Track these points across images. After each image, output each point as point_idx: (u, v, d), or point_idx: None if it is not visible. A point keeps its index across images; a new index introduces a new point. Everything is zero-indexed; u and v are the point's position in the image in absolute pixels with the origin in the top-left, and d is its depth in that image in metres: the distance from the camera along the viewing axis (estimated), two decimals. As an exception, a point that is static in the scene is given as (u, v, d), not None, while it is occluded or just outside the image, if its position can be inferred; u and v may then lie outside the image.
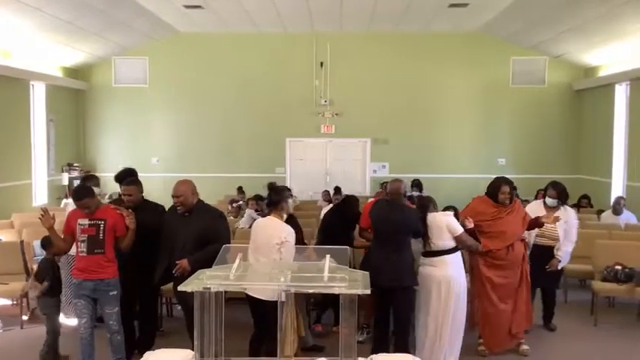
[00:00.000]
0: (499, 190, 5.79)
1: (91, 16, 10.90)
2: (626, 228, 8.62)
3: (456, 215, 5.84)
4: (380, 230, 5.50)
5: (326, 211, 8.52)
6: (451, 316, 5.40)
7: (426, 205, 5.61)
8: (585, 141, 13.64)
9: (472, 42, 13.75)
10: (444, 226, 5.41)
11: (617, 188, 12.02)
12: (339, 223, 6.40)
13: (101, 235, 4.96)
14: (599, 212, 9.92)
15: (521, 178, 12.50)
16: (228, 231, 5.35)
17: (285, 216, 5.17)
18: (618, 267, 6.69)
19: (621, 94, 12.10)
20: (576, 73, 13.77)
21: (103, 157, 14.36)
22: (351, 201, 6.63)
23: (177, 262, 4.97)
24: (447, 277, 5.38)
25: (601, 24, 10.44)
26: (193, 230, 5.07)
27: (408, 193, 12.23)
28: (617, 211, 9.19)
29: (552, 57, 13.65)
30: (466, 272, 5.80)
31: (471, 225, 5.67)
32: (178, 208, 5.18)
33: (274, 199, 5.16)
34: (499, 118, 14.08)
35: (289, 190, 7.36)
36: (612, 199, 10.10)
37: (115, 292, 5.04)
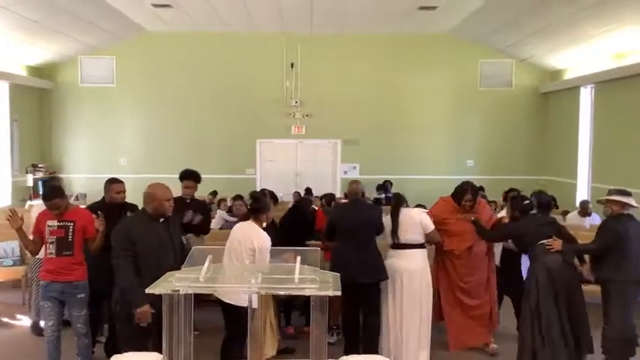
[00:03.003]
0: (463, 197, 5.92)
1: (57, 15, 10.70)
2: (591, 229, 8.78)
3: None
4: (345, 229, 5.61)
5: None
6: (417, 310, 5.49)
7: (401, 200, 5.75)
8: (551, 143, 13.89)
9: (441, 44, 13.88)
10: (418, 222, 5.53)
11: (583, 189, 12.26)
12: (293, 223, 6.56)
13: (70, 236, 4.87)
14: (565, 213, 10.11)
15: (489, 179, 12.67)
16: None
17: (264, 224, 5.17)
18: (580, 267, 6.80)
19: (586, 96, 12.34)
20: (543, 75, 14.02)
21: (70, 157, 14.11)
22: (304, 203, 6.97)
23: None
24: (412, 270, 5.52)
25: (566, 27, 10.63)
26: (177, 238, 4.71)
27: (376, 196, 12.54)
28: (584, 213, 9.42)
29: (519, 60, 13.87)
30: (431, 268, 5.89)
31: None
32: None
33: (253, 206, 5.19)
34: (468, 120, 14.25)
35: (273, 198, 7.35)
36: (577, 200, 10.32)
37: (83, 295, 4.95)
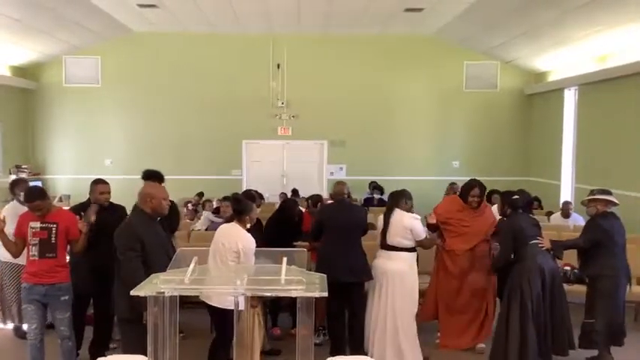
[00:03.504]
0: (469, 192, 5.93)
1: (41, 15, 10.59)
2: (574, 229, 8.86)
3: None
4: (331, 230, 5.61)
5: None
6: (401, 311, 5.49)
7: (396, 200, 5.72)
8: (536, 144, 13.99)
9: (427, 46, 13.92)
10: (409, 228, 5.53)
11: (566, 190, 12.35)
12: (280, 224, 6.55)
13: (53, 238, 4.82)
14: (549, 214, 10.19)
15: (475, 180, 12.72)
16: None
17: (249, 225, 5.15)
18: (567, 267, 6.87)
19: (570, 98, 12.43)
20: (527, 77, 14.11)
21: (54, 158, 13.98)
22: (290, 204, 6.93)
23: None
24: (398, 271, 5.54)
25: (550, 30, 10.71)
26: (169, 237, 4.89)
27: (369, 195, 12.56)
28: (565, 214, 9.51)
29: (504, 62, 13.95)
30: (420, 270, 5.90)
31: (432, 221, 5.92)
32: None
33: (236, 208, 5.17)
34: (453, 122, 14.31)
35: (259, 196, 7.32)
36: (561, 201, 10.39)
37: (66, 297, 4.91)
